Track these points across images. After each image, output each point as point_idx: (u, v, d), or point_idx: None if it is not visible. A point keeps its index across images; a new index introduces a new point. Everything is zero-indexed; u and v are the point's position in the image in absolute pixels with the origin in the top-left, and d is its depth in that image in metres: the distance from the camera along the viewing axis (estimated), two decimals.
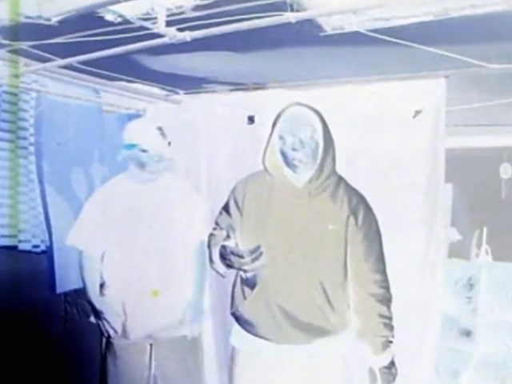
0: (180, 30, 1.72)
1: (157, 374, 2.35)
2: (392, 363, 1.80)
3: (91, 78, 2.51)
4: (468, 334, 2.84)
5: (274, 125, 1.77)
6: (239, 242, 1.81)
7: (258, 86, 2.70)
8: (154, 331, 2.29)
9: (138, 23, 1.70)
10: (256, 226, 1.79)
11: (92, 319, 2.32)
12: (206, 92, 2.88)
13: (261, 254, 1.61)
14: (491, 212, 3.44)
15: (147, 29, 1.73)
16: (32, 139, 2.45)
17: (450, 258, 2.95)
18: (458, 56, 1.95)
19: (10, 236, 2.40)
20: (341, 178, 1.84)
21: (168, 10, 1.62)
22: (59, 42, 1.89)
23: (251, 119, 2.73)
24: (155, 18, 1.65)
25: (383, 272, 1.80)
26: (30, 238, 2.48)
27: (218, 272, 1.81)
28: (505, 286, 2.84)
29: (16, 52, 2.09)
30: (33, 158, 2.45)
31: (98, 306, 2.26)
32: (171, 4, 1.60)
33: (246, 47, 2.00)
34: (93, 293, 2.27)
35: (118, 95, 2.82)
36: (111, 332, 2.25)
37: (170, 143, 2.28)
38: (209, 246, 1.87)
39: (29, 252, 2.48)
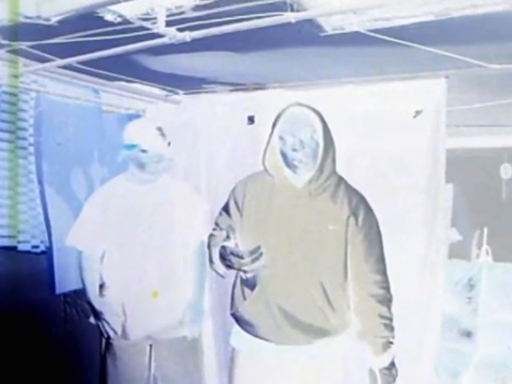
0: (180, 30, 1.72)
1: (156, 374, 2.35)
2: (392, 364, 1.80)
3: (91, 78, 2.51)
4: (468, 334, 2.84)
5: (274, 125, 1.76)
6: (239, 243, 1.80)
7: (258, 87, 2.70)
8: (154, 332, 2.29)
9: (138, 23, 1.70)
10: (256, 226, 1.79)
11: (92, 320, 2.31)
12: (206, 92, 2.88)
13: (261, 254, 1.61)
14: (492, 212, 3.44)
15: (147, 29, 1.73)
16: (31, 139, 2.44)
17: (450, 259, 2.94)
18: (459, 56, 1.95)
19: (9, 236, 2.40)
20: (341, 179, 1.84)
21: (168, 10, 1.62)
22: (59, 42, 1.88)
23: (251, 119, 2.73)
24: (155, 18, 1.65)
25: (383, 273, 1.79)
26: (29, 239, 2.48)
27: (217, 273, 1.80)
28: (505, 286, 2.84)
29: (15, 52, 2.09)
30: (32, 159, 2.45)
31: (97, 306, 2.26)
32: (171, 4, 1.60)
33: (245, 47, 2.00)
34: (92, 293, 2.27)
35: (117, 95, 2.82)
36: (111, 333, 2.24)
37: (169, 143, 2.28)
38: (209, 247, 1.86)
39: (28, 252, 2.48)
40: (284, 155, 1.74)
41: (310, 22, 1.66)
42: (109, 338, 2.27)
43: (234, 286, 1.89)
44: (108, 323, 2.23)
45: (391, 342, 1.78)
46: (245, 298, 1.80)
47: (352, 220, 1.75)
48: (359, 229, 1.76)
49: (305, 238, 1.75)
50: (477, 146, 3.34)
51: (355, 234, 1.75)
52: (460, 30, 1.68)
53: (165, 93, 2.95)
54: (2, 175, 2.37)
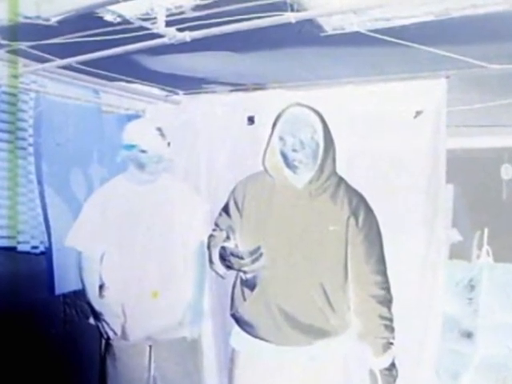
0: (180, 30, 1.72)
1: (156, 375, 2.34)
2: (393, 365, 1.80)
3: (90, 78, 2.51)
4: (469, 335, 2.84)
5: (274, 125, 1.76)
6: (239, 243, 1.80)
7: (258, 87, 2.70)
8: (154, 333, 2.28)
9: (138, 23, 1.70)
10: (256, 227, 1.79)
11: (91, 321, 2.31)
12: (206, 92, 2.87)
13: (261, 255, 1.60)
14: (492, 213, 3.44)
15: (147, 29, 1.73)
16: (31, 140, 2.44)
17: (450, 259, 2.94)
18: (459, 56, 1.94)
19: (8, 237, 2.39)
20: (341, 179, 1.83)
21: (168, 10, 1.61)
22: (58, 42, 1.88)
23: (251, 120, 2.72)
24: (155, 18, 1.65)
25: (384, 273, 1.79)
26: (28, 239, 2.48)
27: (217, 273, 1.80)
28: (506, 287, 2.83)
29: (15, 52, 2.08)
30: (32, 159, 2.44)
31: (97, 307, 2.26)
32: (171, 4, 1.60)
33: (246, 47, 2.00)
34: (92, 294, 2.26)
35: (117, 96, 2.82)
36: (110, 333, 2.24)
37: (169, 144, 2.28)
38: (208, 247, 1.86)
39: (28, 253, 2.47)
40: (284, 156, 1.73)
41: (311, 22, 1.66)
42: (108, 338, 2.27)
43: (233, 287, 1.88)
44: (108, 324, 2.23)
45: (391, 343, 1.78)
46: (245, 299, 1.80)
47: (352, 220, 1.75)
48: (359, 229, 1.75)
49: (305, 238, 1.75)
50: (477, 147, 3.34)
51: (355, 235, 1.75)
52: (460, 30, 1.68)
53: (164, 93, 2.94)
54: (2, 176, 2.36)
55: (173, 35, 1.72)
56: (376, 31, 1.70)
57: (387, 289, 1.78)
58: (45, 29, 1.74)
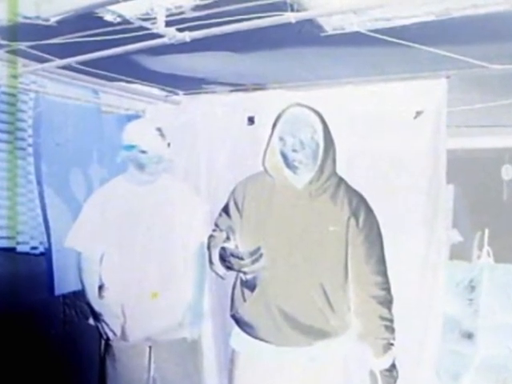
0: (179, 30, 1.71)
1: (156, 376, 2.34)
2: (393, 366, 1.79)
3: (90, 78, 2.50)
4: (469, 336, 2.83)
5: (274, 126, 1.76)
6: (239, 244, 1.80)
7: (258, 87, 2.69)
8: (154, 333, 2.28)
9: (138, 23, 1.69)
10: (256, 227, 1.78)
11: (91, 321, 2.31)
12: (206, 93, 2.87)
13: (261, 255, 1.60)
14: (493, 213, 3.44)
15: (146, 29, 1.72)
16: (30, 140, 2.44)
17: (451, 260, 2.94)
18: (460, 56, 1.94)
19: (8, 238, 2.39)
20: (341, 179, 1.83)
21: (167, 10, 1.61)
22: (58, 42, 1.87)
23: (251, 120, 2.72)
24: (154, 18, 1.64)
25: (384, 274, 1.79)
26: (28, 240, 2.47)
27: (217, 274, 1.79)
28: (506, 287, 2.83)
29: (14, 52, 2.08)
30: (31, 159, 2.44)
31: (96, 308, 2.25)
32: (171, 4, 1.59)
33: (246, 47, 1.99)
34: (92, 295, 2.26)
35: (117, 96, 2.81)
36: (110, 334, 2.23)
37: (169, 144, 2.27)
38: (208, 248, 1.86)
39: (27, 254, 2.47)
40: (284, 156, 1.73)
41: (311, 22, 1.66)
42: (108, 339, 2.26)
43: (233, 288, 1.88)
44: (107, 324, 2.23)
45: (392, 344, 1.77)
46: (245, 300, 1.79)
47: (352, 221, 1.74)
48: (360, 230, 1.75)
49: (305, 239, 1.74)
50: (478, 147, 3.34)
51: (356, 235, 1.75)
52: (461, 30, 1.67)
53: (164, 93, 2.94)
54: (1, 176, 2.36)
55: (173, 35, 1.72)
56: (376, 31, 1.70)
57: (387, 289, 1.78)
58: (44, 29, 1.73)
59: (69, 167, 2.62)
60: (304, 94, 2.46)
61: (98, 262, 2.27)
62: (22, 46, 2.00)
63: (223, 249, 1.70)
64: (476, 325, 2.83)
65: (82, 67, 2.27)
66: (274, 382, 1.78)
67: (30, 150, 2.44)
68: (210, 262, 1.81)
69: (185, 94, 2.95)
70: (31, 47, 2.01)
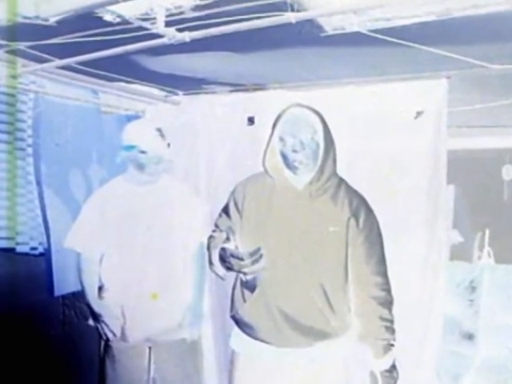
0: (179, 30, 1.71)
1: (156, 377, 2.33)
2: (393, 366, 1.79)
3: (90, 78, 2.50)
4: (470, 337, 2.83)
5: (274, 126, 1.75)
6: (239, 245, 1.80)
7: (258, 87, 2.69)
8: (153, 334, 2.27)
9: (137, 23, 1.69)
10: (256, 228, 1.78)
11: (90, 322, 2.30)
12: (206, 93, 2.86)
13: (261, 256, 1.60)
14: (493, 214, 3.43)
15: (146, 29, 1.72)
16: (30, 140, 2.44)
17: (451, 261, 2.93)
18: (460, 56, 1.94)
19: (7, 238, 2.39)
20: (341, 180, 1.83)
21: (167, 10, 1.60)
22: (57, 42, 1.87)
23: (251, 120, 2.71)
24: (154, 19, 1.64)
25: (384, 274, 1.78)
26: (27, 241, 2.47)
27: (217, 274, 1.79)
28: (507, 288, 2.82)
29: (14, 53, 2.08)
30: (31, 160, 2.44)
31: (96, 308, 2.25)
32: (170, 4, 1.59)
33: (245, 48, 1.99)
34: (91, 295, 2.25)
35: (116, 96, 2.81)
36: (110, 335, 2.23)
37: (169, 144, 2.27)
38: (208, 249, 1.86)
39: (26, 254, 2.47)
40: (284, 156, 1.73)
41: (311, 23, 1.65)
42: (108, 340, 2.26)
43: (233, 288, 1.88)
44: (107, 325, 2.22)
45: (392, 345, 1.77)
46: (245, 300, 1.79)
47: (353, 221, 1.74)
48: (360, 230, 1.75)
49: (305, 239, 1.74)
50: (478, 147, 3.33)
51: (356, 236, 1.74)
52: (461, 30, 1.67)
53: (164, 93, 2.93)
54: (0, 177, 2.36)
55: (172, 35, 1.71)
56: (376, 31, 1.70)
57: (388, 290, 1.78)
58: (44, 29, 1.73)
59: (68, 168, 2.62)
60: (304, 94, 2.45)
61: (98, 263, 2.27)
62: (22, 46, 1.99)
63: (223, 249, 1.70)
64: (476, 326, 2.82)
65: (82, 67, 2.27)
66: (274, 383, 1.77)
67: (30, 150, 2.44)
68: (210, 262, 1.81)
69: (185, 95, 2.95)
70: (31, 47, 2.01)
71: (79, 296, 2.46)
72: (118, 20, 1.67)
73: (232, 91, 2.79)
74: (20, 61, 2.19)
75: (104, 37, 1.78)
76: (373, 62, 2.15)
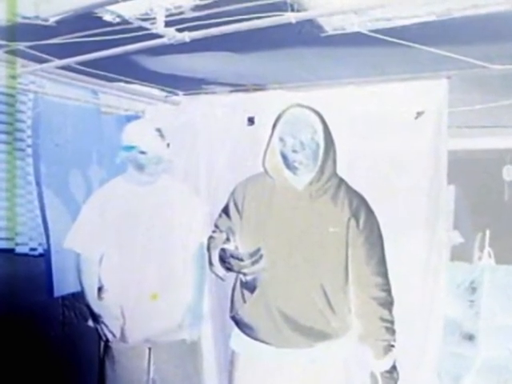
0: (179, 30, 1.71)
1: (155, 378, 2.33)
2: (394, 367, 1.79)
3: (89, 78, 2.50)
4: (470, 338, 2.82)
5: (274, 126, 1.75)
6: (239, 245, 1.79)
7: (258, 87, 2.69)
8: (153, 335, 2.27)
9: (137, 23, 1.69)
10: (256, 228, 1.78)
11: (90, 323, 2.30)
12: (206, 93, 2.86)
13: (261, 256, 1.60)
14: (494, 214, 3.43)
15: (146, 29, 1.72)
16: (29, 141, 2.44)
17: (452, 261, 2.92)
18: (461, 57, 1.93)
19: (7, 239, 2.39)
20: (342, 180, 1.82)
21: (167, 10, 1.60)
22: (57, 42, 1.87)
23: (251, 121, 2.71)
24: (154, 19, 1.64)
25: (385, 275, 1.78)
26: (27, 241, 2.47)
27: (217, 275, 1.79)
28: (507, 289, 2.82)
29: (13, 53, 2.07)
30: (30, 160, 2.44)
31: (96, 309, 2.24)
32: (170, 4, 1.59)
33: (245, 48, 1.99)
34: (91, 296, 2.25)
35: (116, 96, 2.81)
36: (109, 336, 2.23)
37: (168, 145, 2.26)
38: (208, 249, 1.85)
39: (26, 255, 2.47)
40: (284, 157, 1.72)
41: (311, 23, 1.65)
42: (107, 341, 2.26)
43: (233, 289, 1.87)
44: (107, 326, 2.22)
45: (392, 346, 1.77)
46: (244, 301, 1.79)
47: (353, 222, 1.74)
48: (360, 231, 1.74)
49: (305, 240, 1.74)
50: (479, 148, 3.33)
51: (356, 237, 1.74)
52: (462, 30, 1.67)
53: (164, 94, 2.93)
54: (0, 177, 2.35)
55: (172, 35, 1.71)
56: (377, 31, 1.69)
57: (388, 291, 1.77)
58: (43, 29, 1.73)
59: (68, 168, 2.61)
60: (304, 94, 2.45)
61: (98, 264, 2.26)
62: (21, 46, 1.99)
63: (223, 250, 1.70)
64: (477, 326, 2.82)
65: (82, 67, 2.27)
66: None
67: (29, 150, 2.44)
68: (210, 263, 1.80)
69: (184, 95, 2.95)
70: (30, 47, 2.01)
71: (79, 297, 2.46)
72: (117, 20, 1.67)
73: (232, 91, 2.79)
74: (19, 61, 2.19)
75: (104, 37, 1.78)
76: (373, 62, 2.15)
